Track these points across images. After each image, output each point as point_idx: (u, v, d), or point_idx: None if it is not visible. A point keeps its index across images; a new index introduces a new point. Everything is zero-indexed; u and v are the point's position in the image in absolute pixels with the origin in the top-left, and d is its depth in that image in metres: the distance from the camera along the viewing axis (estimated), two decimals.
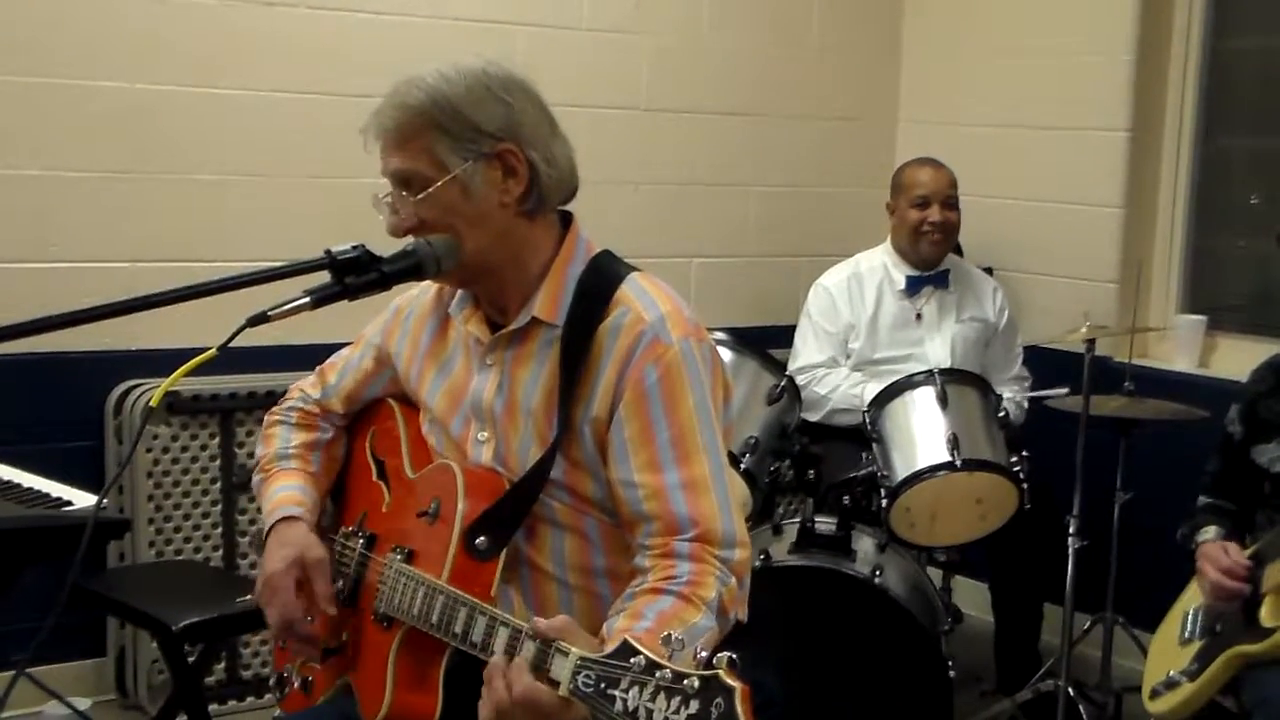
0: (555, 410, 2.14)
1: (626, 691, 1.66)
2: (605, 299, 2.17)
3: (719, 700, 1.59)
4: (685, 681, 1.61)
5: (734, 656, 1.61)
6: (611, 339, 2.13)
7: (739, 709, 1.58)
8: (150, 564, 4.02)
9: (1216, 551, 3.19)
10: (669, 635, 1.67)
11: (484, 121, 2.12)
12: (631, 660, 1.67)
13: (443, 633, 2.03)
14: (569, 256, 2.22)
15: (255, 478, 2.49)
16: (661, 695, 1.63)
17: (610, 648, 1.71)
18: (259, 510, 4.10)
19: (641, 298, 2.16)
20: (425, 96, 2.11)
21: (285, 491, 2.39)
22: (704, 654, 1.63)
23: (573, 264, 2.22)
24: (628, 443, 2.10)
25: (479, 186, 2.13)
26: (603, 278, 2.21)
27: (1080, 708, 3.94)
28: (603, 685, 1.69)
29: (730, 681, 1.59)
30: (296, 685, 2.36)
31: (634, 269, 2.25)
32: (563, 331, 2.16)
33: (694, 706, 1.60)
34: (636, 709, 1.64)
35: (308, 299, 2.04)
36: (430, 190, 2.11)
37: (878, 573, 3.63)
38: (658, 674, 1.64)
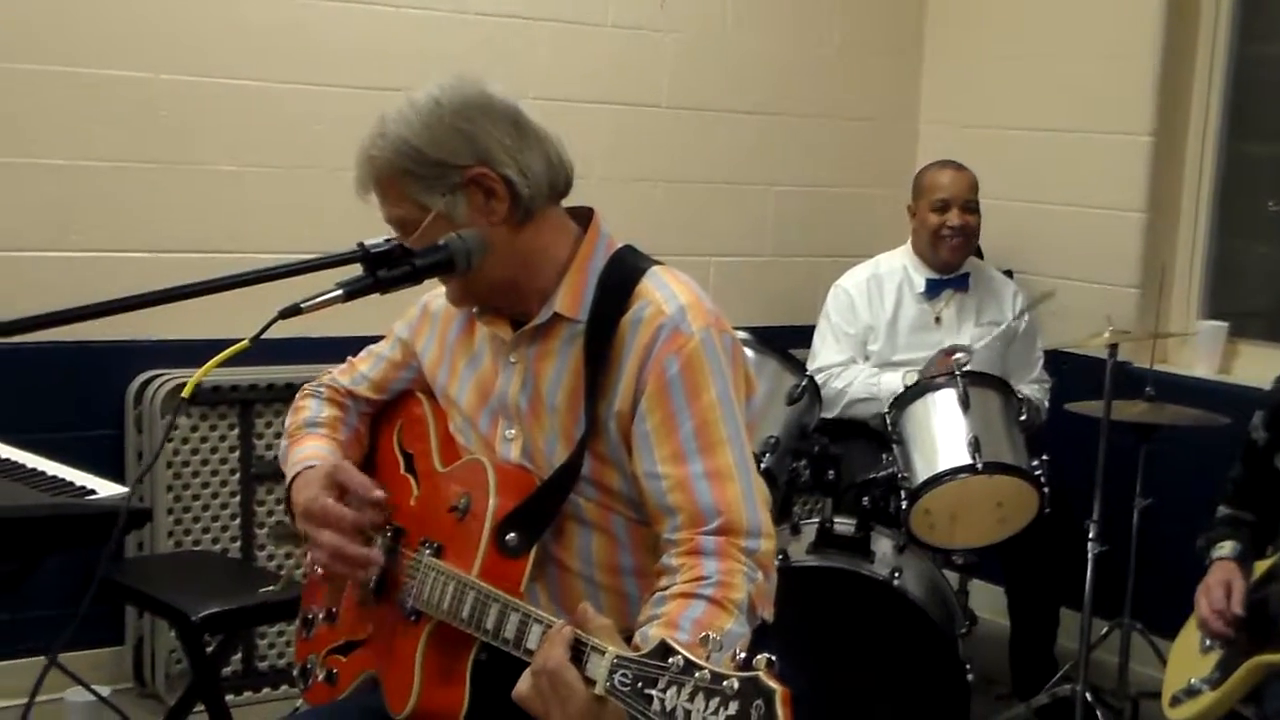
0: (581, 406, 2.14)
1: (664, 691, 1.64)
2: (626, 292, 2.17)
3: (759, 702, 1.56)
4: (725, 683, 1.59)
5: (773, 658, 1.59)
6: (633, 332, 2.13)
7: (779, 712, 1.56)
8: (169, 554, 4.04)
9: (1217, 586, 3.16)
10: (707, 636, 1.65)
11: (449, 156, 2.12)
12: (669, 660, 1.65)
13: (473, 628, 2.03)
14: (589, 252, 2.22)
15: (282, 443, 2.50)
16: (700, 696, 1.60)
17: (648, 648, 1.70)
18: (277, 502, 4.12)
19: (662, 289, 2.16)
20: (388, 146, 2.12)
21: (311, 449, 2.40)
22: (742, 655, 1.61)
23: (593, 259, 2.22)
24: (651, 434, 2.10)
25: (464, 215, 2.13)
26: (624, 272, 2.21)
27: (1097, 713, 3.92)
28: (640, 685, 1.68)
29: (771, 683, 1.57)
30: (321, 678, 2.35)
31: (655, 263, 2.25)
32: (585, 326, 2.16)
33: (733, 708, 1.57)
34: (674, 709, 1.62)
35: (340, 291, 2.04)
36: (420, 231, 2.12)
37: (896, 574, 3.62)
38: (696, 675, 1.61)
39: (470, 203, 2.13)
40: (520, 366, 2.22)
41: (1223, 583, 3.15)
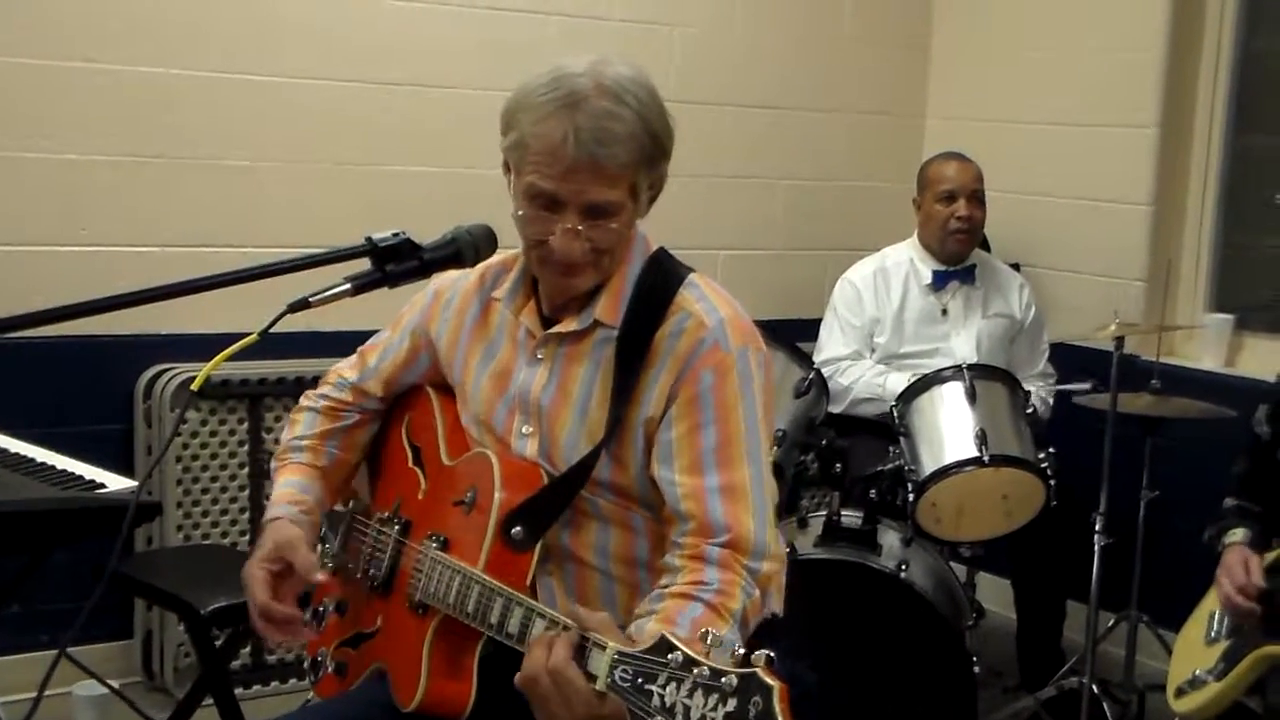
0: (608, 409, 2.14)
1: (664, 687, 1.65)
2: (664, 303, 2.17)
3: (757, 698, 1.57)
4: (723, 679, 1.59)
5: (771, 654, 1.60)
6: (672, 341, 2.13)
7: (777, 707, 1.56)
8: (178, 548, 4.05)
9: (1237, 565, 3.17)
10: (707, 632, 1.65)
11: (669, 147, 2.14)
12: (669, 656, 1.65)
13: (478, 622, 2.03)
14: (628, 256, 2.21)
15: (272, 464, 2.50)
16: (699, 692, 1.61)
17: (648, 643, 1.70)
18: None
19: (702, 301, 2.17)
20: (636, 120, 2.06)
21: (283, 489, 2.39)
22: (741, 651, 1.61)
23: (631, 264, 2.21)
24: (674, 443, 2.11)
25: (642, 207, 2.15)
26: (663, 280, 2.20)
27: (1104, 705, 3.93)
28: (640, 680, 1.68)
29: (768, 680, 1.57)
30: (331, 670, 2.36)
31: (690, 269, 2.25)
32: (620, 332, 2.16)
33: (732, 704, 1.58)
34: (674, 705, 1.63)
35: (349, 285, 2.03)
36: (620, 217, 2.10)
37: (903, 567, 3.63)
38: (695, 671, 1.62)
39: (649, 198, 2.16)
40: (547, 364, 2.21)
41: (1240, 561, 3.17)
